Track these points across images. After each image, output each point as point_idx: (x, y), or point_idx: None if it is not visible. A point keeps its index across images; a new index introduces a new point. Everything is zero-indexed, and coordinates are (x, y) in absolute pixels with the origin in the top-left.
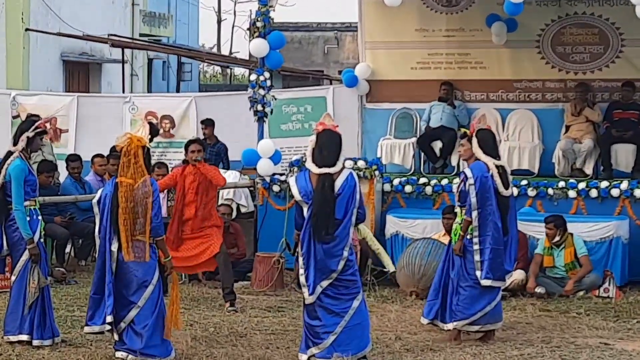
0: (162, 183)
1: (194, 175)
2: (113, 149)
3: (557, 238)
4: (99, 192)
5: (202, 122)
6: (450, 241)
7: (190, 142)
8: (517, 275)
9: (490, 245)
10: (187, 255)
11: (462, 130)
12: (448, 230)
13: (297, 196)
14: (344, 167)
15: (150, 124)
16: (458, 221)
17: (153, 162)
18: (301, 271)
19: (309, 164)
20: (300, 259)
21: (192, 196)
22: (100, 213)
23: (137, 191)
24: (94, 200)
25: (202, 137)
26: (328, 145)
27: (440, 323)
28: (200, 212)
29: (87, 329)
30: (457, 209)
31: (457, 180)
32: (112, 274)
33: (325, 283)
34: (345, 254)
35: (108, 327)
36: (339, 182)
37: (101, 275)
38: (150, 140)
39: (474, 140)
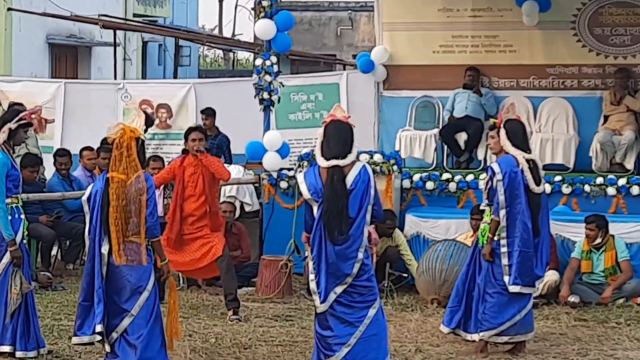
0: (159, 177)
1: (195, 167)
2: (104, 141)
3: (598, 240)
4: (89, 188)
5: (203, 112)
6: (476, 242)
7: (191, 130)
8: (550, 276)
9: (518, 247)
10: (187, 259)
11: (492, 120)
12: (476, 231)
13: (306, 194)
14: (356, 161)
15: (145, 113)
16: (486, 221)
17: (148, 155)
18: (311, 277)
19: (318, 158)
20: (311, 263)
21: (192, 190)
22: (90, 212)
23: (130, 188)
24: (84, 198)
25: None
26: (336, 136)
27: (463, 333)
28: (201, 208)
29: (75, 339)
30: (485, 208)
31: (484, 176)
32: (102, 278)
33: (338, 289)
34: (360, 255)
35: (98, 337)
36: (351, 177)
37: (90, 280)
38: (145, 131)
39: (502, 132)
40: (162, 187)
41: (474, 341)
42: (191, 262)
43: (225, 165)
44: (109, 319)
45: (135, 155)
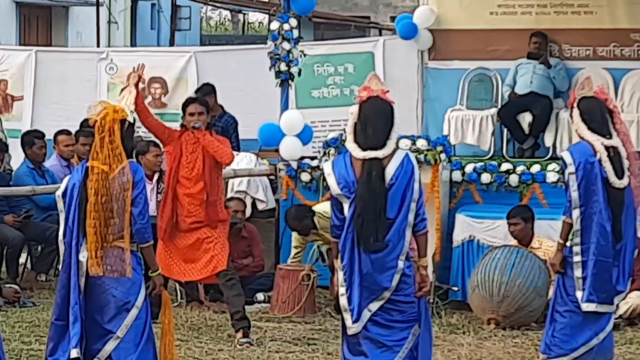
0: (157, 121)
1: (194, 144)
2: (84, 123)
3: None
4: (65, 181)
5: (198, 91)
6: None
7: (189, 101)
8: (635, 299)
9: (594, 256)
10: (181, 268)
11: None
12: (518, 240)
13: (336, 189)
14: (397, 148)
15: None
16: None
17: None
18: (341, 290)
19: (350, 145)
20: (341, 274)
21: (189, 172)
22: (66, 210)
23: (112, 182)
24: (58, 193)
25: None
26: (374, 119)
27: None
28: (197, 196)
29: None
30: None
31: (554, 167)
32: (79, 292)
33: (374, 306)
34: (401, 265)
35: None
36: (391, 169)
37: (66, 294)
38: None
39: (575, 113)
40: (155, 179)
41: None
42: (186, 272)
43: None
44: (89, 342)
45: (119, 141)
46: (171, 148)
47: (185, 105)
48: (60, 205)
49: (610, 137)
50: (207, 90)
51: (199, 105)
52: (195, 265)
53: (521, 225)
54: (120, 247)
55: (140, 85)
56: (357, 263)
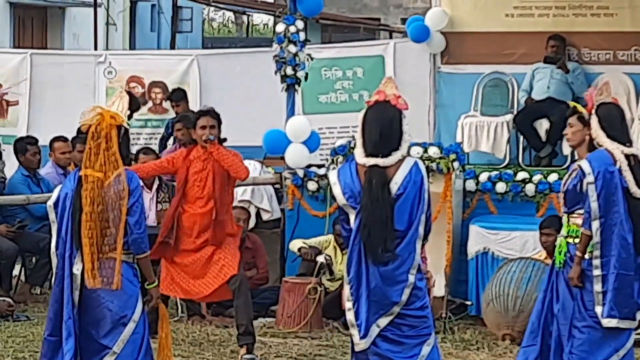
0: (152, 166)
1: (204, 161)
2: (81, 130)
3: None
4: (57, 190)
5: (170, 97)
6: (553, 262)
7: (201, 114)
8: None
9: (615, 269)
10: (190, 283)
11: (571, 103)
12: (549, 252)
13: (341, 198)
14: (406, 156)
15: (129, 94)
16: (563, 234)
17: (139, 147)
18: (348, 305)
19: (357, 151)
20: (347, 288)
21: (200, 191)
22: (59, 220)
23: (107, 190)
24: (50, 203)
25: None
26: (377, 125)
27: None
28: (207, 215)
29: None
30: (563, 216)
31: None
32: (73, 306)
33: (383, 321)
34: (412, 279)
35: None
36: (398, 178)
37: (59, 309)
38: (130, 117)
39: (594, 120)
40: (154, 188)
41: None
42: (196, 288)
43: None
44: (84, 358)
45: (116, 147)
46: (179, 175)
47: (196, 119)
48: (52, 216)
49: (631, 145)
50: (179, 96)
51: (210, 118)
52: (205, 280)
53: (554, 237)
54: (114, 257)
55: (140, 90)
56: (364, 276)
